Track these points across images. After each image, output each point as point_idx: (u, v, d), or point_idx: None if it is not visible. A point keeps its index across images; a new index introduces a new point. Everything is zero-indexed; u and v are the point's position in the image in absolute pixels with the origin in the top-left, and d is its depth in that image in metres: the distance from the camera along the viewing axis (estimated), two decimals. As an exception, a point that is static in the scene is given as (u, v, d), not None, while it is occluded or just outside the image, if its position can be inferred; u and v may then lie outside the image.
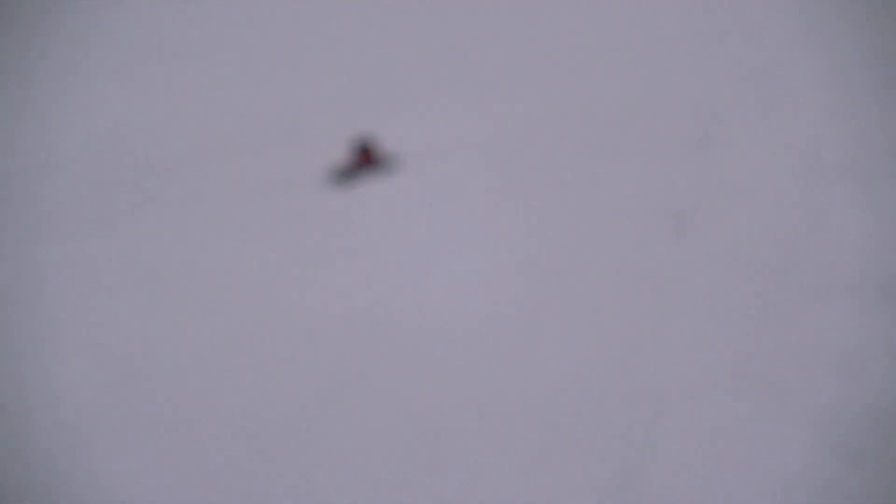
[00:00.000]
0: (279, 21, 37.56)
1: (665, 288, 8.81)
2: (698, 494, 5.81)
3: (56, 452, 8.38)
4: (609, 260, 10.04)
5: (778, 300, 7.81)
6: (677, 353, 7.52)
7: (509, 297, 10.34)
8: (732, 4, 20.59)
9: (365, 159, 17.37)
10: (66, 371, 10.32)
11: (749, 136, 12.35)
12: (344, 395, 8.63)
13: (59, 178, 22.94)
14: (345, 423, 8.10)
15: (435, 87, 21.61)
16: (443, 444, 7.28)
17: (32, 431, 8.92)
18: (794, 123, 12.08)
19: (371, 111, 19.95)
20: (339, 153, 16.93)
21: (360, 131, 17.54)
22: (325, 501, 6.93)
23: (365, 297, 11.36)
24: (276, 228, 14.90)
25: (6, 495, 7.23)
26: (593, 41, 22.21)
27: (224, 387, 9.40)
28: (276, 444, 7.99)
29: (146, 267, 14.03)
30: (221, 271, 13.13)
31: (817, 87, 13.16)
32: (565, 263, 10.72)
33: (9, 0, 34.25)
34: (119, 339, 11.07)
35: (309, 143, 19.19)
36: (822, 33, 15.80)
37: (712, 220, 10.04)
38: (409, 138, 17.32)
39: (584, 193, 12.54)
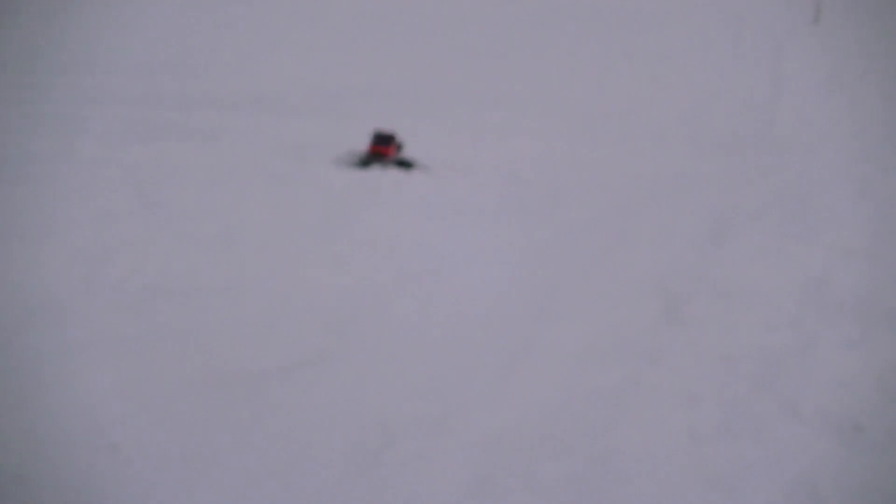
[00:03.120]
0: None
1: (643, 364, 8.84)
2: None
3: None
4: (601, 321, 10.12)
5: (748, 408, 7.84)
6: (642, 429, 7.54)
7: (498, 312, 10.42)
8: (787, 114, 20.95)
9: (382, 151, 17.65)
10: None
11: (762, 247, 12.48)
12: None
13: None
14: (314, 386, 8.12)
15: (470, 105, 21.84)
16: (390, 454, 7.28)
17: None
18: (808, 252, 12.20)
19: (406, 116, 20.21)
20: (363, 144, 17.25)
21: (383, 126, 17.82)
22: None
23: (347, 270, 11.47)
24: (278, 191, 15.04)
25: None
26: (640, 110, 22.55)
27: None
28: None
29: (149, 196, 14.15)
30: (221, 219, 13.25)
31: (843, 224, 13.34)
32: (556, 298, 10.76)
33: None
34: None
35: (338, 127, 19.44)
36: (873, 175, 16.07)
37: (705, 316, 10.09)
38: (432, 150, 17.56)
39: (589, 246, 12.66)
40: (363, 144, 17.70)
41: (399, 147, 18.80)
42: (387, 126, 18.42)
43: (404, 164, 18.45)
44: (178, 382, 8.05)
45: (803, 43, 31.51)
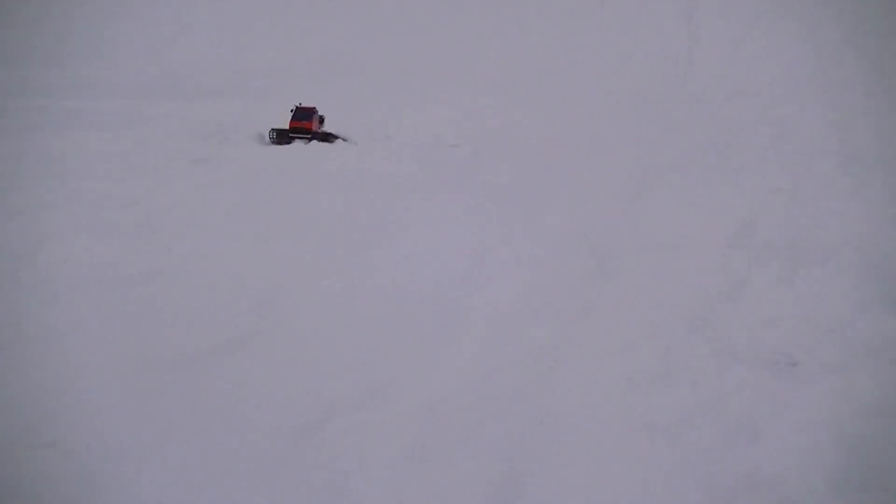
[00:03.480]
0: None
1: (577, 318, 8.80)
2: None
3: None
4: (530, 279, 10.04)
5: (683, 353, 7.79)
6: (578, 381, 7.46)
7: (429, 277, 10.32)
8: (704, 68, 21.07)
9: (305, 125, 17.56)
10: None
11: (684, 198, 12.48)
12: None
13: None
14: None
15: (391, 75, 21.66)
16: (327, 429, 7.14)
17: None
18: (732, 197, 12.23)
19: (327, 91, 20.06)
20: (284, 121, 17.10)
21: (302, 102, 17.64)
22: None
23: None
24: (199, 173, 14.83)
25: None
26: (559, 73, 22.52)
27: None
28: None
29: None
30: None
31: (765, 166, 13.41)
32: (485, 262, 10.67)
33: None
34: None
35: (257, 106, 19.23)
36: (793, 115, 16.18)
37: (634, 265, 10.06)
38: (355, 122, 17.45)
39: (514, 208, 12.60)
40: (284, 121, 17.48)
41: (321, 121, 18.70)
42: (307, 100, 18.21)
43: (326, 138, 18.31)
44: (113, 371, 7.87)
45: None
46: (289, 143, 17.93)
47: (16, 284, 10.04)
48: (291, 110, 18.14)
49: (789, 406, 6.71)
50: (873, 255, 9.21)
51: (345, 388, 7.58)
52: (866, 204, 11.04)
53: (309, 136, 18.13)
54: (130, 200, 13.02)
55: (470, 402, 7.29)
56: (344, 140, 18.33)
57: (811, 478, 5.69)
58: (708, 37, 24.30)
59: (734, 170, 13.57)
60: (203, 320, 9.11)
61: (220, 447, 6.55)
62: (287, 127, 18.18)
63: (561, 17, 28.75)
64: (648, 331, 8.23)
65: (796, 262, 9.45)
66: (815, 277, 9.01)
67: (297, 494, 5.95)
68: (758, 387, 7.08)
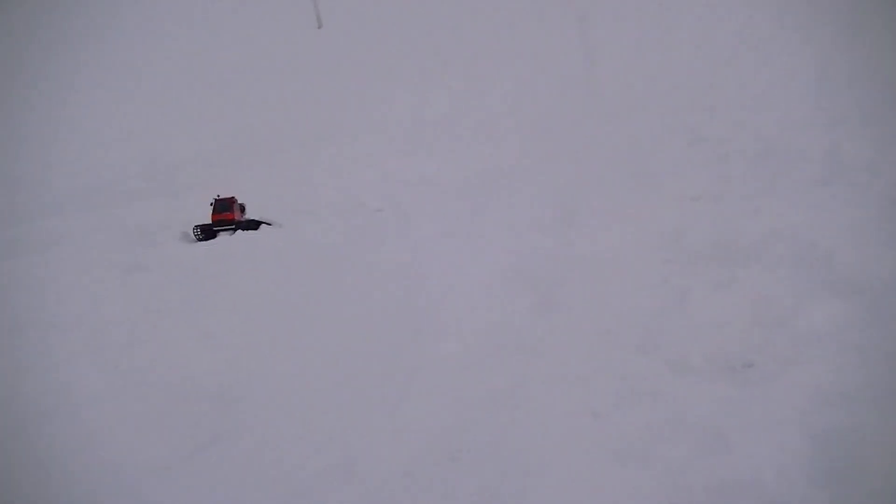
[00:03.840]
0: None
1: (530, 357, 8.77)
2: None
3: None
4: (477, 327, 10.01)
5: (639, 374, 7.81)
6: (544, 421, 7.43)
7: (377, 341, 10.26)
8: (606, 85, 21.37)
9: (226, 216, 17.47)
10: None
11: (612, 217, 12.57)
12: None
13: None
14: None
15: (302, 142, 21.63)
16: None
17: None
18: (658, 209, 12.35)
19: (243, 174, 20.09)
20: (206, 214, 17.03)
21: (220, 194, 17.58)
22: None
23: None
24: (135, 281, 14.67)
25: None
26: (465, 115, 22.67)
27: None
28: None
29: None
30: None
31: (683, 174, 13.58)
32: (428, 314, 10.67)
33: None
34: None
35: (178, 201, 19.10)
36: (703, 122, 16.45)
37: (576, 294, 10.08)
38: (276, 200, 17.45)
39: (446, 253, 12.61)
40: (207, 215, 17.40)
41: (242, 209, 18.62)
42: (226, 190, 18.14)
43: (250, 226, 18.24)
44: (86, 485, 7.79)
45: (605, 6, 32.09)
46: (214, 237, 17.87)
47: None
48: (211, 203, 18.10)
49: (753, 408, 6.73)
50: (802, 244, 9.33)
51: (319, 468, 7.53)
52: (785, 196, 11.23)
53: (233, 226, 18.09)
54: (70, 323, 12.86)
55: (442, 460, 7.24)
56: (269, 224, 18.29)
57: (789, 475, 5.71)
58: (607, 52, 24.61)
59: (653, 182, 13.73)
60: (165, 431, 9.00)
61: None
62: (210, 221, 18.13)
63: (461, 59, 28.98)
64: (602, 359, 8.25)
65: (731, 264, 9.54)
66: (753, 276, 9.10)
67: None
68: (718, 394, 7.10)
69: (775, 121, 14.84)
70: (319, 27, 38.02)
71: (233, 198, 18.45)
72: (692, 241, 10.60)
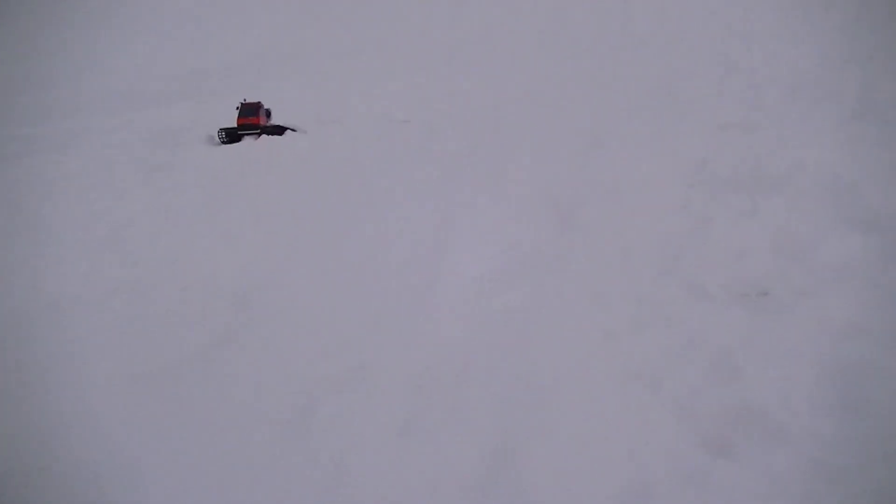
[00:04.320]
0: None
1: (548, 274, 8.82)
2: (570, 478, 5.79)
3: None
4: (497, 241, 10.05)
5: (656, 297, 7.83)
6: (557, 338, 7.48)
7: (398, 250, 10.32)
8: (641, 14, 21.04)
9: (251, 121, 17.49)
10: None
11: (638, 144, 12.49)
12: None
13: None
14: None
15: (334, 57, 21.51)
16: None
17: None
18: (685, 136, 12.26)
19: (270, 83, 20.04)
20: (232, 119, 17.06)
21: (246, 98, 17.55)
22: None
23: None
24: (158, 180, 14.74)
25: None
26: (499, 39, 22.45)
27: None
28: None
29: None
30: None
31: (713, 103, 13.44)
32: (451, 229, 10.68)
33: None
34: None
35: (205, 107, 19.11)
36: (736, 51, 16.21)
37: (598, 216, 10.07)
38: (303, 109, 17.39)
39: (475, 173, 12.59)
40: (232, 120, 17.38)
41: (268, 114, 18.64)
42: (252, 96, 18.08)
43: (275, 131, 18.25)
44: (103, 386, 7.91)
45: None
46: (239, 140, 17.89)
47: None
48: (237, 108, 18.13)
49: (765, 337, 6.73)
50: (827, 178, 9.23)
51: (329, 371, 7.63)
52: (815, 130, 11.06)
53: (258, 130, 18.11)
54: (91, 218, 12.93)
55: (453, 372, 7.31)
56: (293, 130, 18.28)
57: (794, 405, 5.73)
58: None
59: (683, 110, 13.57)
60: (183, 325, 9.15)
61: (219, 445, 6.62)
62: (235, 125, 18.16)
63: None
64: (619, 280, 8.25)
65: (755, 193, 9.45)
66: (775, 207, 9.01)
67: (298, 482, 6.00)
68: (732, 321, 7.10)
69: (810, 54, 14.61)
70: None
71: (259, 103, 18.45)
72: (717, 170, 10.52)
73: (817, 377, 6.01)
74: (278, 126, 18.39)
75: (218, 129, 18.13)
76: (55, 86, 25.72)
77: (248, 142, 17.30)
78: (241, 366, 8.03)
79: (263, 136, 18.00)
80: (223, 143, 17.92)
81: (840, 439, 5.34)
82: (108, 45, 30.53)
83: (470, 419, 6.51)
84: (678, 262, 8.35)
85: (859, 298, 7.02)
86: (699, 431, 5.74)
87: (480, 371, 7.23)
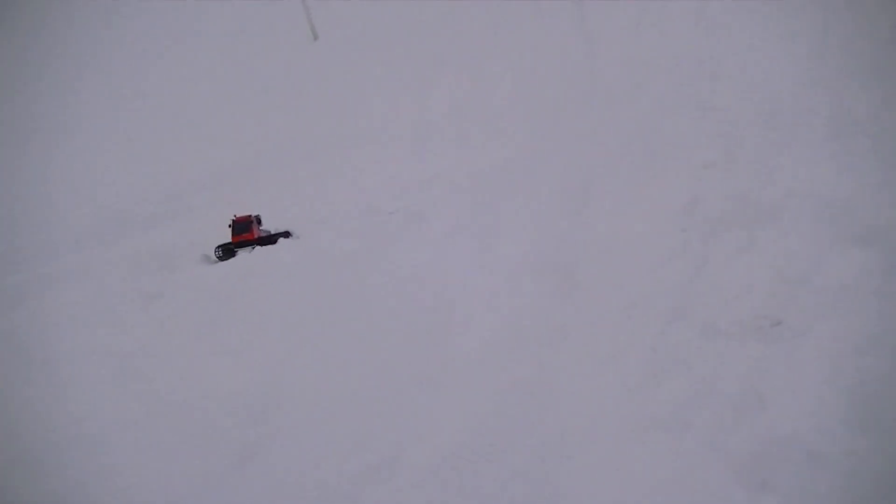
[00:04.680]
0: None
1: (557, 340, 8.79)
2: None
3: None
4: (501, 315, 10.04)
5: (669, 344, 7.81)
6: (578, 401, 7.46)
7: (405, 338, 10.32)
8: (606, 64, 21.29)
9: (246, 237, 17.73)
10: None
11: (627, 194, 12.54)
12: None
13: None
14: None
15: (312, 150, 21.78)
16: None
17: None
18: (671, 179, 12.31)
19: (255, 188, 20.29)
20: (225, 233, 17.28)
21: (236, 214, 17.75)
22: None
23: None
24: (159, 307, 14.84)
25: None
26: (468, 112, 22.70)
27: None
28: None
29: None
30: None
31: (693, 144, 13.54)
32: (453, 307, 10.71)
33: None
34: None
35: (195, 225, 19.32)
36: (706, 90, 16.39)
37: (598, 273, 10.07)
38: (290, 210, 17.58)
39: (469, 242, 12.65)
40: (224, 234, 17.51)
41: (258, 220, 18.89)
42: (240, 208, 18.26)
43: (269, 241, 18.46)
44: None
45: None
46: (234, 255, 18.12)
47: None
48: (229, 225, 18.36)
49: (785, 364, 6.75)
50: (818, 200, 9.30)
51: (358, 470, 7.59)
52: (796, 155, 11.17)
53: (252, 244, 18.35)
54: (101, 353, 13.00)
55: (479, 446, 7.31)
56: (286, 236, 18.48)
57: (827, 426, 5.71)
58: (602, 33, 24.38)
59: (665, 155, 13.65)
60: (208, 444, 9.13)
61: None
62: (229, 241, 18.41)
63: (458, 58, 28.91)
64: (630, 333, 8.27)
65: (749, 226, 9.50)
66: (772, 236, 9.06)
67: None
68: (750, 355, 7.12)
69: (780, 82, 14.76)
70: (315, 39, 38.07)
71: (249, 216, 18.70)
72: (709, 209, 10.56)
73: (843, 395, 6.04)
74: (271, 235, 18.62)
75: (214, 248, 18.35)
76: (42, 222, 25.86)
77: (243, 255, 17.43)
78: (265, 481, 8.03)
79: (258, 247, 18.23)
80: (220, 260, 18.15)
81: (877, 452, 5.31)
82: (84, 174, 30.73)
83: (506, 496, 6.46)
84: (686, 307, 8.36)
85: (869, 312, 7.06)
86: (735, 468, 5.72)
87: (508, 445, 7.22)
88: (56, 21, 56.92)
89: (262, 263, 15.52)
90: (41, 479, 9.40)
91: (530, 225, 12.61)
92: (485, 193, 15.15)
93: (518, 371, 8.45)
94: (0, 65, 50.25)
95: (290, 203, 18.95)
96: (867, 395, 5.91)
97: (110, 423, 10.44)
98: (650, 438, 6.46)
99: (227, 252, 18.34)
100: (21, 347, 14.07)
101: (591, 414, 7.17)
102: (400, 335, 10.45)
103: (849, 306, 7.28)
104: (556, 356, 8.42)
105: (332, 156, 20.81)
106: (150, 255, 17.38)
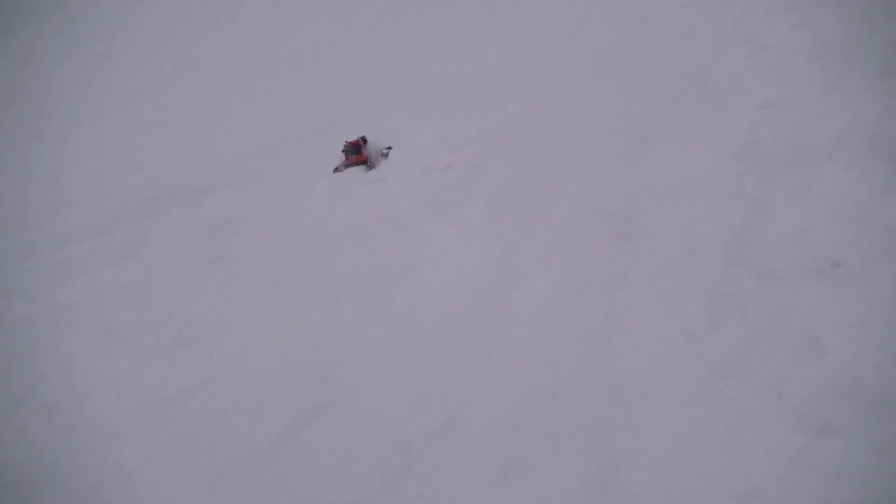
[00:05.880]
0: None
1: (615, 289, 8.84)
2: (678, 490, 5.80)
3: None
4: (560, 266, 10.09)
5: (728, 290, 7.82)
6: (638, 350, 7.51)
7: (464, 295, 10.42)
8: (656, 11, 20.99)
9: (356, 160, 18.48)
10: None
11: (682, 137, 12.46)
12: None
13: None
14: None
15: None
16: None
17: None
18: (726, 122, 12.22)
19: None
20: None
21: (351, 137, 18.33)
22: None
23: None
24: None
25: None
26: (528, 55, 22.58)
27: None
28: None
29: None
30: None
31: (747, 85, 13.38)
32: (516, 254, 10.79)
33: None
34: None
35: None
36: (758, 30, 16.14)
37: (655, 220, 10.07)
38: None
39: (530, 189, 12.69)
40: (277, 201, 17.80)
41: (364, 141, 19.54)
42: (293, 172, 18.53)
43: (373, 162, 19.17)
44: (191, 483, 8.11)
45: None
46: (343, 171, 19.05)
47: (73, 432, 10.26)
48: (343, 150, 19.29)
49: (845, 308, 6.73)
50: (875, 138, 9.18)
51: (419, 427, 7.71)
52: (852, 91, 11.00)
53: (363, 163, 19.24)
54: (160, 321, 13.24)
55: (542, 400, 7.40)
56: (390, 148, 19.22)
57: (888, 370, 5.72)
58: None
59: (719, 96, 13.49)
60: (264, 410, 9.33)
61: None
62: (343, 163, 19.33)
63: (511, 8, 28.62)
64: (687, 280, 8.28)
65: (806, 167, 9.41)
66: (830, 176, 8.98)
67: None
68: (809, 298, 7.11)
69: (832, 17, 14.49)
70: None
71: (357, 141, 19.48)
72: (765, 150, 10.47)
73: (905, 338, 5.99)
74: (381, 152, 19.45)
75: (333, 169, 19.52)
76: (102, 199, 26.24)
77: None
78: (332, 437, 8.18)
79: (359, 166, 19.21)
80: (336, 172, 19.30)
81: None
82: (138, 150, 31.05)
83: (567, 449, 6.58)
84: (744, 251, 8.35)
85: (932, 248, 6.99)
86: (796, 415, 5.77)
87: (566, 397, 7.32)
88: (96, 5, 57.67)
89: (318, 225, 15.66)
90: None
91: (587, 174, 12.58)
92: (540, 145, 15.10)
93: (580, 320, 8.52)
94: (52, 38, 50.91)
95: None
96: (930, 334, 5.90)
97: (173, 391, 10.68)
98: (711, 387, 6.51)
99: (339, 169, 19.46)
100: (81, 321, 14.41)
101: (654, 362, 7.23)
102: (460, 292, 10.53)
103: (908, 246, 7.24)
104: (617, 304, 8.47)
105: (383, 119, 20.87)
106: (206, 224, 17.60)
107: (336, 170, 19.32)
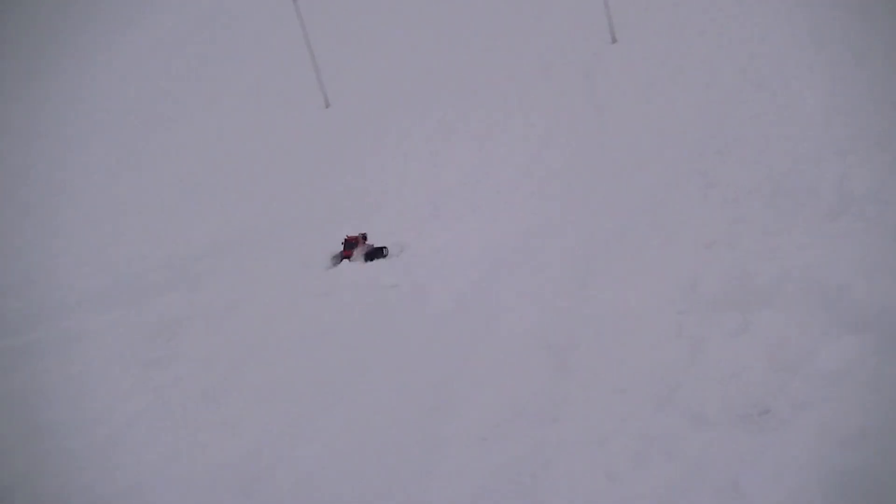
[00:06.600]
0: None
1: (546, 424, 8.87)
2: None
3: None
4: (492, 393, 10.14)
5: (656, 431, 7.88)
6: (561, 488, 7.53)
7: (402, 415, 10.41)
8: (615, 139, 21.56)
9: (346, 253, 18.83)
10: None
11: (628, 271, 12.67)
12: None
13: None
14: None
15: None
16: None
17: None
18: (673, 258, 12.45)
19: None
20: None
21: (348, 233, 18.55)
22: None
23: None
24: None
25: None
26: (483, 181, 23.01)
27: None
28: None
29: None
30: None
31: (697, 221, 13.70)
32: (452, 383, 10.81)
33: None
34: None
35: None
36: (705, 162, 16.60)
37: (593, 353, 10.16)
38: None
39: (474, 326, 12.79)
40: (224, 303, 17.78)
41: (364, 238, 19.75)
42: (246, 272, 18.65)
43: (375, 253, 19.29)
44: None
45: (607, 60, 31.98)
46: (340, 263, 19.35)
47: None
48: (342, 243, 19.85)
49: (769, 455, 6.82)
50: (814, 283, 9.40)
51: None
52: (796, 235, 11.31)
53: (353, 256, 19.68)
54: (94, 422, 13.10)
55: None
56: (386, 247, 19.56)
57: (804, 520, 5.78)
58: (612, 105, 24.74)
59: (668, 230, 13.81)
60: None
61: None
62: (341, 253, 19.71)
63: (468, 128, 29.23)
64: (618, 418, 8.36)
65: (744, 310, 9.59)
66: (766, 321, 9.15)
67: None
68: (735, 444, 7.20)
69: (784, 157, 14.97)
70: (327, 107, 38.60)
71: (357, 237, 19.82)
72: (707, 290, 10.67)
73: (824, 488, 6.08)
74: (375, 249, 19.67)
75: (331, 258, 19.76)
76: (45, 286, 26.19)
77: (243, 324, 17.87)
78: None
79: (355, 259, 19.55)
80: (333, 265, 19.59)
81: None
82: (89, 238, 31.09)
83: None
84: (676, 392, 8.46)
85: (859, 403, 7.13)
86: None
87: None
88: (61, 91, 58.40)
89: (259, 336, 15.66)
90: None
91: (531, 301, 12.73)
92: (487, 269, 15.31)
93: (509, 451, 8.55)
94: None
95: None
96: (848, 490, 5.99)
97: (97, 497, 10.52)
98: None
99: (335, 260, 19.77)
100: (15, 414, 14.24)
101: (578, 497, 7.26)
102: (398, 411, 10.57)
103: (838, 395, 7.37)
104: (546, 439, 8.52)
105: (336, 230, 21.15)
106: (150, 324, 17.57)
107: (336, 261, 19.65)
